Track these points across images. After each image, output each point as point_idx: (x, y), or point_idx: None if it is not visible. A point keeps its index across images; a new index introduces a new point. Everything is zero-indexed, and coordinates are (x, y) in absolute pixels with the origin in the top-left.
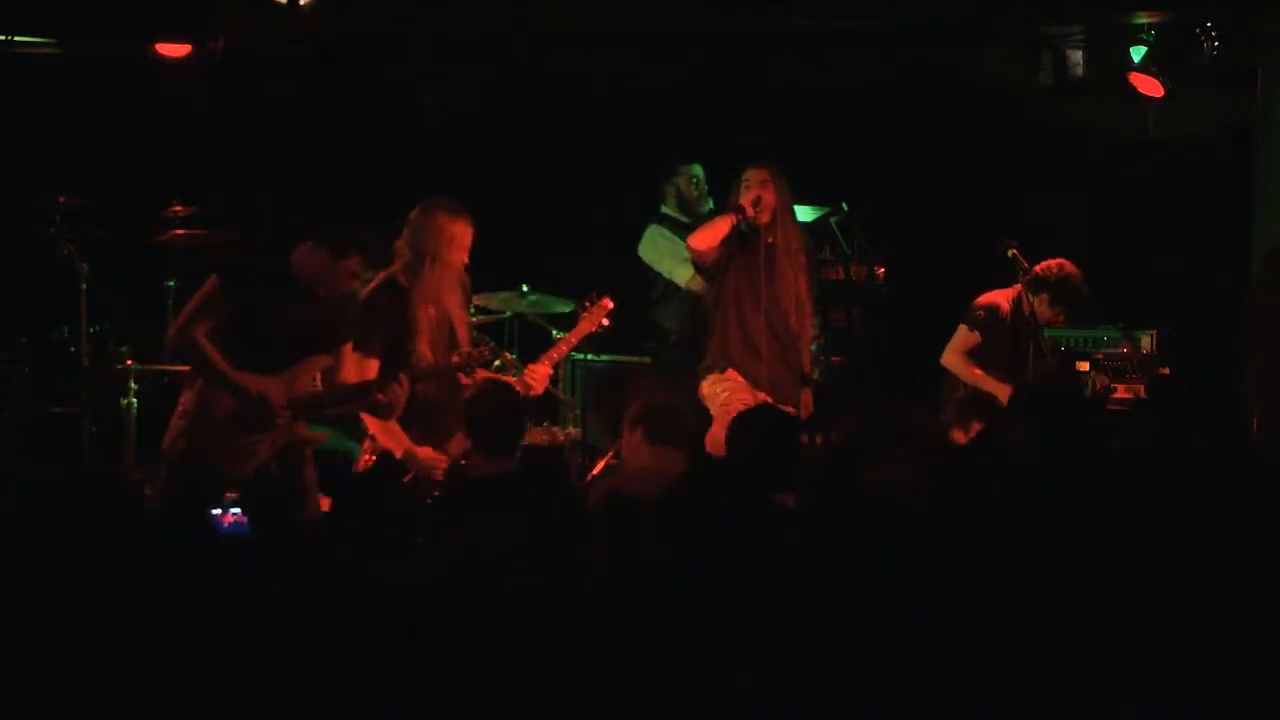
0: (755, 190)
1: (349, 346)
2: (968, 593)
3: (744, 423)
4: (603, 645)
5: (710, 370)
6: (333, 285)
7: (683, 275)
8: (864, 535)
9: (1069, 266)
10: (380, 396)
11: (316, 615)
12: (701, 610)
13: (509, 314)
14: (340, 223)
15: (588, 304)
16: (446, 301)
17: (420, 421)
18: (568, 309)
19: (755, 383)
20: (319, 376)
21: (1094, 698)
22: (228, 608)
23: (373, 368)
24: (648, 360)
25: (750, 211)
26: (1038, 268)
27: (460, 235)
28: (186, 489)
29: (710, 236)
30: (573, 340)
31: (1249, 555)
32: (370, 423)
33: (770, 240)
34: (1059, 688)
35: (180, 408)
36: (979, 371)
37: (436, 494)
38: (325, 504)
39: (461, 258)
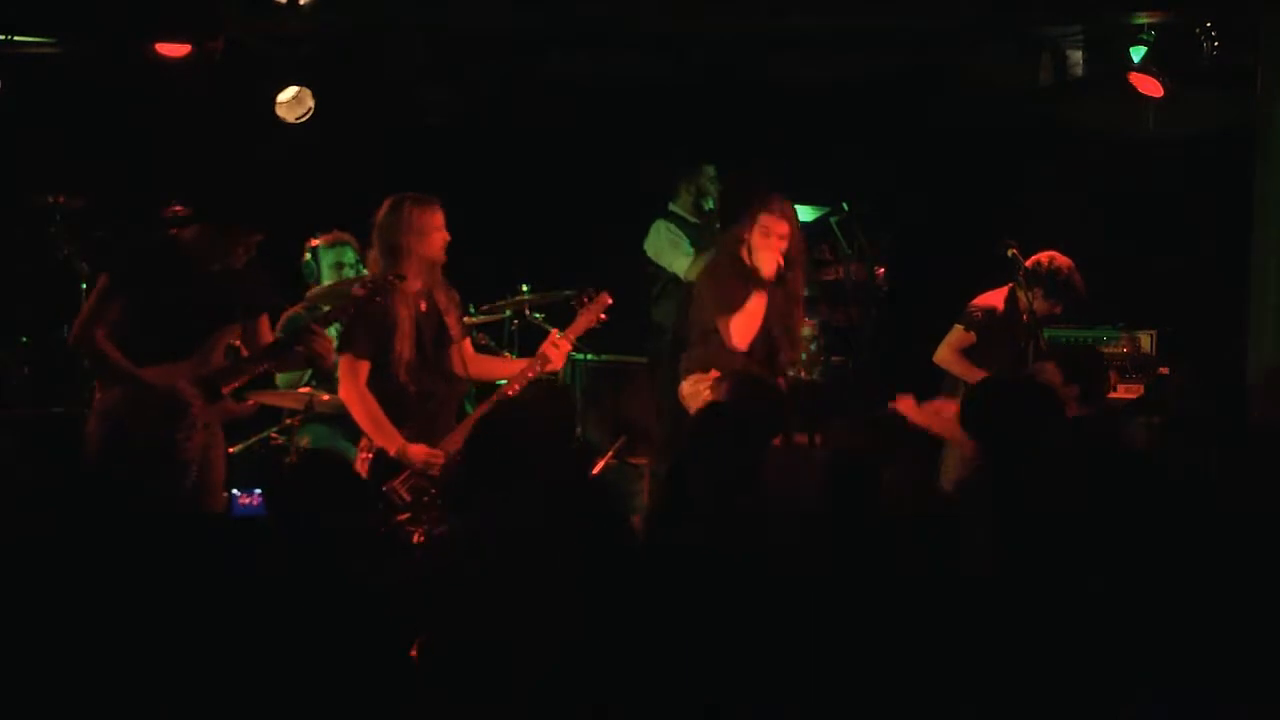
0: (776, 241)
1: (264, 314)
2: (967, 592)
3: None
4: (603, 645)
5: (691, 371)
6: (228, 262)
7: (682, 267)
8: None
9: (1060, 258)
10: (301, 349)
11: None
12: (705, 610)
13: (509, 313)
14: (233, 201)
15: (586, 299)
16: (431, 294)
17: (415, 419)
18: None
19: None
20: (241, 347)
21: (1093, 698)
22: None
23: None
24: (646, 360)
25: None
26: (1028, 262)
27: (430, 223)
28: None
29: (749, 326)
30: (572, 336)
31: (1248, 554)
32: (364, 421)
33: (780, 282)
34: (1059, 687)
35: (98, 410)
36: (974, 367)
37: (434, 491)
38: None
39: (437, 247)
